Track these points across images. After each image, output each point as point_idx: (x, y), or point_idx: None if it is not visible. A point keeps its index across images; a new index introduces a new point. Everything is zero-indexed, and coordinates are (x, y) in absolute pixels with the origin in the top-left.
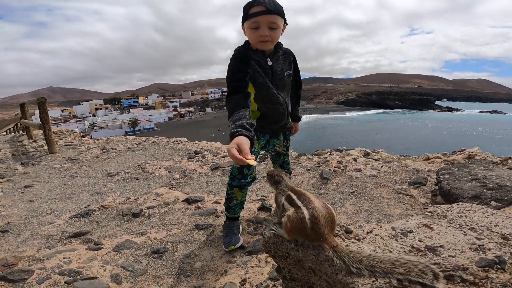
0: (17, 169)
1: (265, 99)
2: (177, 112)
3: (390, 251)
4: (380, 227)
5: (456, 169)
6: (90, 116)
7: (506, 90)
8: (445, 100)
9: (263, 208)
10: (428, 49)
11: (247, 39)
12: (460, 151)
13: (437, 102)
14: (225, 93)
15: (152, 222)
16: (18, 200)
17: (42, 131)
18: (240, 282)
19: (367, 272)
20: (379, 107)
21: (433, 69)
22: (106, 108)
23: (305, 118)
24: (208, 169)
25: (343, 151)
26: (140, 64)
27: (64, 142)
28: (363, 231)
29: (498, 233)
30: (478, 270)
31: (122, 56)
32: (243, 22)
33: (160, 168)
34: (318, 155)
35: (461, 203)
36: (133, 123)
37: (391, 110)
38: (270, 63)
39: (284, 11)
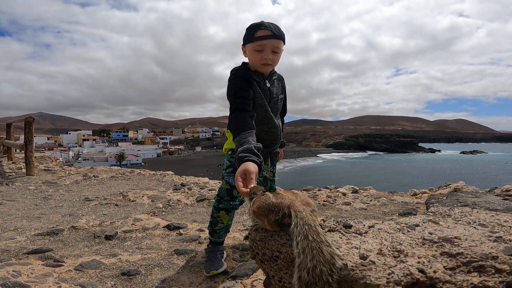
0: None
1: (262, 121)
2: (166, 149)
3: (400, 243)
4: (382, 222)
5: (444, 197)
6: (76, 147)
7: (484, 129)
8: (427, 142)
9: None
10: (412, 90)
11: (245, 60)
12: (445, 185)
13: (421, 144)
14: (216, 133)
15: (127, 245)
16: None
17: (23, 153)
18: None
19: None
20: (365, 149)
21: (416, 110)
22: (94, 140)
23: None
24: (193, 200)
25: (331, 189)
26: (135, 96)
27: (45, 166)
28: (364, 225)
29: (511, 227)
30: (510, 259)
31: (118, 86)
32: (245, 43)
33: (143, 197)
34: (307, 191)
35: (461, 206)
36: (120, 157)
37: (378, 153)
38: (268, 85)
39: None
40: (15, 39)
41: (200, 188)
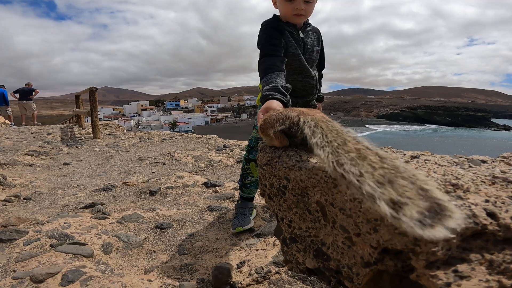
0: (61, 150)
1: (295, 70)
2: (214, 117)
3: (457, 178)
4: (432, 154)
5: None
6: (136, 116)
7: None
8: (502, 118)
9: None
10: (489, 61)
11: (275, 12)
12: None
13: (494, 120)
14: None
15: (167, 201)
16: (53, 175)
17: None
18: (237, 264)
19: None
20: (425, 122)
21: (492, 82)
22: (151, 109)
23: None
24: (234, 161)
25: None
26: (185, 68)
27: (109, 131)
28: (404, 154)
29: None
30: None
31: (169, 60)
32: None
33: (187, 157)
34: None
35: None
36: (173, 124)
37: (440, 126)
38: (302, 35)
39: (327, 17)
40: (75, 22)
41: (241, 150)
